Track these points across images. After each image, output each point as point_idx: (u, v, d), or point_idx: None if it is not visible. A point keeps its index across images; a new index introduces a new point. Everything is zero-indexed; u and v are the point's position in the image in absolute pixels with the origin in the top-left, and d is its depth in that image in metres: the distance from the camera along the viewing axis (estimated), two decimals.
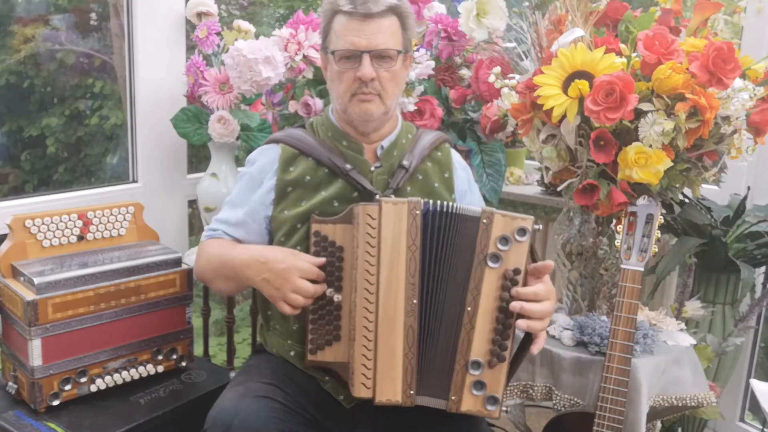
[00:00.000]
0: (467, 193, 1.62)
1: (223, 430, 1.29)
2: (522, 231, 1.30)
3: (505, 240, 1.30)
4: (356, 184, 1.48)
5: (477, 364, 1.31)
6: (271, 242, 1.52)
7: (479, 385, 1.31)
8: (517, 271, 1.31)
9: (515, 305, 1.29)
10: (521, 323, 1.30)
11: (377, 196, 1.42)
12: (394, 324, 1.32)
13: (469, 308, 1.31)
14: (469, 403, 1.32)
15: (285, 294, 1.34)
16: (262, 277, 1.37)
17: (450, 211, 1.34)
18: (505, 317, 1.31)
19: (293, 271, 1.34)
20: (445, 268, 1.34)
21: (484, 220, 1.30)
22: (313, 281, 1.35)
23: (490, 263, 1.30)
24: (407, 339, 1.32)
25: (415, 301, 1.33)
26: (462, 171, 1.63)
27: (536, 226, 1.31)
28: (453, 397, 1.32)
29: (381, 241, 1.33)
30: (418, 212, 1.33)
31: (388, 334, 1.32)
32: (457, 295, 1.33)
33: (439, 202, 1.34)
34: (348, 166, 1.49)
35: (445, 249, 1.34)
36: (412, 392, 1.33)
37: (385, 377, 1.32)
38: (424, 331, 1.34)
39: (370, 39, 1.43)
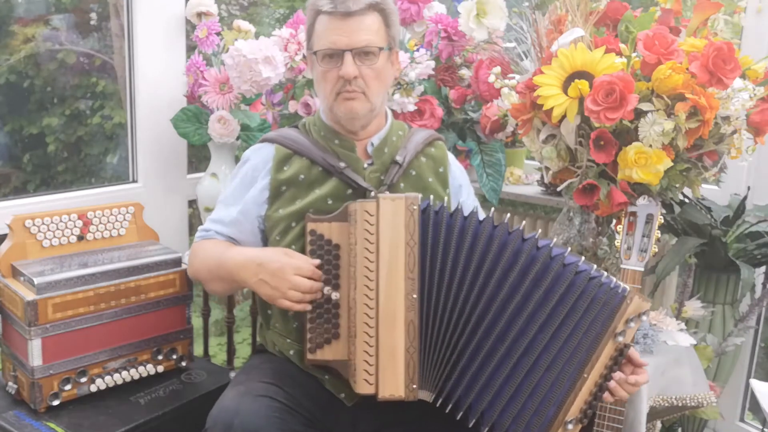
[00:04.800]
0: (462, 189, 1.62)
1: (224, 429, 1.29)
2: (644, 314, 1.32)
3: (631, 320, 1.31)
4: (350, 181, 1.48)
5: (570, 422, 1.31)
6: (265, 242, 1.53)
7: None
8: (627, 347, 1.32)
9: (618, 391, 1.32)
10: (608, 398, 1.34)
11: (373, 193, 1.43)
12: (395, 320, 1.32)
13: (585, 375, 1.30)
14: None
15: (284, 292, 1.35)
16: (258, 278, 1.37)
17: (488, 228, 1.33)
18: (605, 383, 1.32)
19: (288, 269, 1.35)
20: (481, 275, 1.33)
21: (628, 301, 1.30)
22: (310, 279, 1.36)
23: (617, 339, 1.30)
24: (408, 334, 1.33)
25: (414, 296, 1.32)
26: (457, 168, 1.63)
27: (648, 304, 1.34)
28: None
29: (380, 237, 1.33)
30: (415, 207, 1.33)
31: (389, 329, 1.32)
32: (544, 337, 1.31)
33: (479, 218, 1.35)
34: (342, 164, 1.49)
35: (473, 258, 1.33)
36: (414, 386, 1.33)
37: (388, 373, 1.32)
38: (426, 325, 1.34)
39: (350, 37, 1.42)
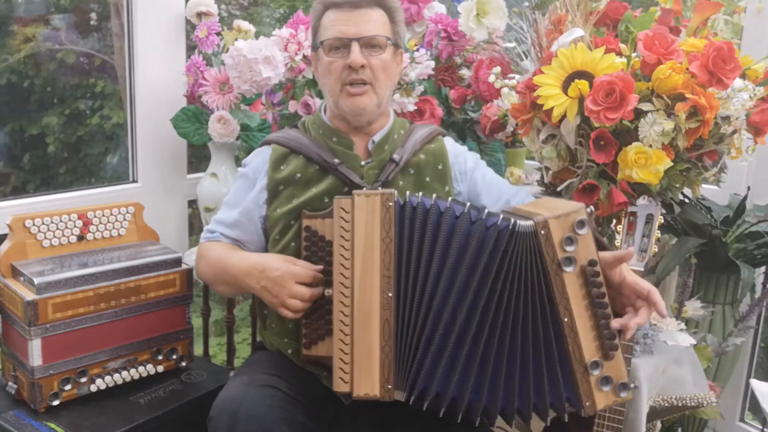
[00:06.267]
0: (473, 171, 1.58)
1: (229, 417, 1.30)
2: (581, 224, 1.25)
3: (569, 240, 1.25)
4: (345, 178, 1.49)
5: (595, 364, 1.27)
6: (267, 241, 1.54)
7: (605, 380, 1.27)
8: (592, 263, 1.26)
9: (615, 326, 1.27)
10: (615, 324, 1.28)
11: (364, 190, 1.42)
12: (370, 318, 1.31)
13: (566, 319, 1.26)
14: (603, 400, 1.27)
15: (283, 300, 1.35)
16: (261, 285, 1.38)
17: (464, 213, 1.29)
18: (601, 309, 1.27)
19: (288, 277, 1.35)
20: (446, 268, 1.29)
21: (542, 231, 1.24)
22: (310, 285, 1.37)
23: (566, 269, 1.25)
24: (383, 333, 1.31)
25: (390, 294, 1.31)
26: (460, 156, 1.59)
27: (588, 209, 1.27)
28: (587, 403, 1.27)
29: (354, 234, 1.31)
30: (391, 204, 1.31)
31: (364, 328, 1.31)
32: (513, 306, 1.26)
33: (444, 203, 1.30)
34: (336, 161, 1.49)
35: (446, 249, 1.29)
36: (390, 386, 1.32)
37: (363, 372, 1.31)
38: (401, 324, 1.32)
39: (358, 27, 1.45)
